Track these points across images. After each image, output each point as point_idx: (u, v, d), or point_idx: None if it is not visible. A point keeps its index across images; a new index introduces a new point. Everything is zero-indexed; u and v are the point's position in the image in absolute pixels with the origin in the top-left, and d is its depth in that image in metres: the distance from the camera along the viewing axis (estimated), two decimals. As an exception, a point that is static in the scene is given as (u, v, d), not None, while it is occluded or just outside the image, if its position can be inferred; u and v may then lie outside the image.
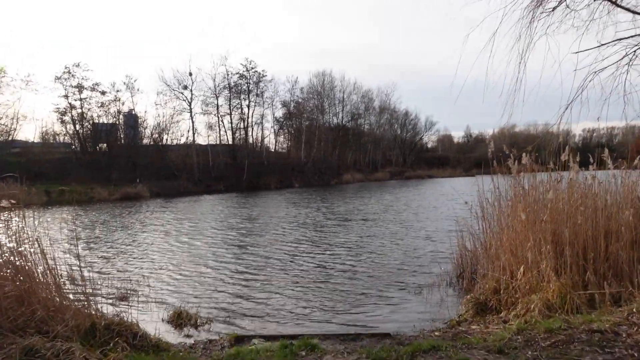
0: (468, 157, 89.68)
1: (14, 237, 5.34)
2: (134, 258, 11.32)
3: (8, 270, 5.02)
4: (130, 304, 7.21)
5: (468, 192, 32.79)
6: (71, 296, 5.50)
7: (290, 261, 10.25)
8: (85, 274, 9.51)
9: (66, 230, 17.63)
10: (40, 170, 40.14)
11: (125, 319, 5.45)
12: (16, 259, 5.12)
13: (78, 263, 5.53)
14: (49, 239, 6.07)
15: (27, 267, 5.12)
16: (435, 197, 29.56)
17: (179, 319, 6.24)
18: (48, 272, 5.29)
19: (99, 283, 8.56)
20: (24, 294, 4.83)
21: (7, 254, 5.13)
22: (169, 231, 16.33)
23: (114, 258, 11.43)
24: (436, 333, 5.41)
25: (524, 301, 5.50)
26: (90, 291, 5.86)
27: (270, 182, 49.95)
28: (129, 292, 7.85)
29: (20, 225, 5.50)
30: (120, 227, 18.39)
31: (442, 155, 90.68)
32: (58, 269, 5.76)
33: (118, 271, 9.90)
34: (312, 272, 9.17)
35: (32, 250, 5.18)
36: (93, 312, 5.19)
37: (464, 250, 8.49)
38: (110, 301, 7.20)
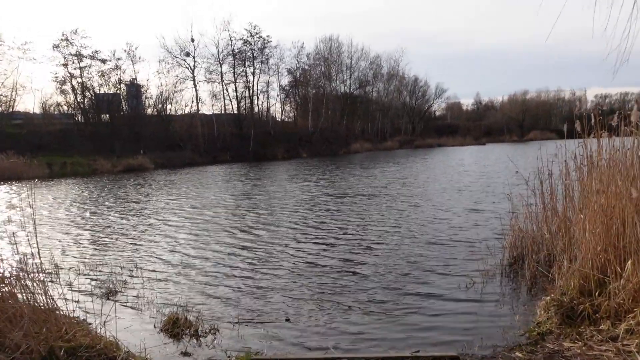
0: (478, 124, 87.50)
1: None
2: (130, 241, 9.97)
3: None
4: (115, 303, 5.86)
5: (487, 161, 31.19)
6: (40, 299, 4.14)
7: (307, 248, 8.58)
8: (71, 261, 8.46)
9: (55, 206, 16.38)
10: (42, 142, 38.90)
11: (102, 334, 4.10)
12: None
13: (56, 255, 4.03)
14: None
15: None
16: (455, 168, 27.92)
17: (174, 327, 4.88)
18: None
19: (85, 274, 7.33)
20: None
21: None
22: (171, 208, 14.95)
23: (108, 241, 10.08)
24: (518, 354, 4.01)
25: (640, 310, 4.08)
26: (64, 292, 4.47)
27: (277, 152, 48.50)
28: (117, 286, 6.50)
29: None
30: (120, 202, 17.08)
31: (451, 123, 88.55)
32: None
33: (110, 257, 8.55)
34: (334, 261, 7.55)
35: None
36: (56, 329, 3.83)
37: (519, 234, 7.03)
38: (91, 300, 5.85)
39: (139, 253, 8.68)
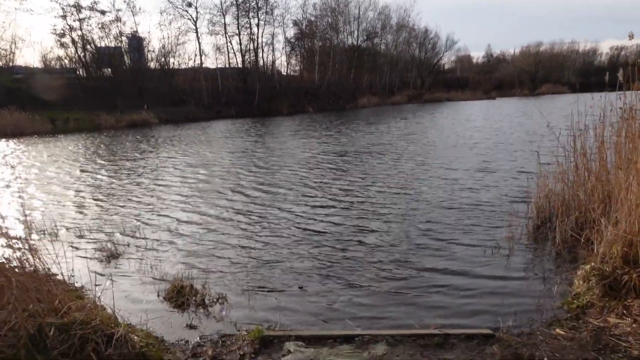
0: (488, 78, 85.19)
1: None
2: (131, 202, 9.56)
3: None
4: (115, 269, 5.51)
5: (498, 117, 30.26)
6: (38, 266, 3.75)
7: (313, 212, 7.89)
8: (66, 223, 7.83)
9: (55, 163, 15.99)
10: (44, 97, 38.16)
11: (99, 307, 3.74)
12: None
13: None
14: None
15: None
16: (466, 123, 27.08)
17: (180, 296, 4.51)
18: None
19: (81, 237, 6.95)
20: None
21: None
22: (176, 164, 14.52)
23: (107, 201, 9.71)
24: (559, 330, 3.61)
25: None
26: (58, 257, 4.08)
27: (283, 107, 47.45)
28: (118, 250, 6.12)
29: None
30: (120, 159, 16.66)
31: (461, 76, 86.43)
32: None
33: (110, 218, 8.18)
34: (342, 228, 6.89)
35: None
36: (48, 302, 3.46)
37: (549, 194, 6.52)
38: (89, 265, 5.49)
39: (141, 215, 8.25)
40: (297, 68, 62.05)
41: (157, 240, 6.62)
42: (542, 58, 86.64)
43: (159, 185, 11.06)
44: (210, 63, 52.82)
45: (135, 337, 3.48)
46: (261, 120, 37.26)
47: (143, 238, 6.68)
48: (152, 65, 49.21)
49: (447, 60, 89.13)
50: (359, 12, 62.38)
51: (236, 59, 52.60)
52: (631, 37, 5.30)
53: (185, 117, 41.51)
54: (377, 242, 6.16)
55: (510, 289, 4.57)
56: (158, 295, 4.68)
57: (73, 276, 5.08)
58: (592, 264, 4.42)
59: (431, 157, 13.57)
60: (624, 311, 3.80)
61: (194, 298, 4.51)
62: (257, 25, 51.68)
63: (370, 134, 21.62)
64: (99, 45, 45.51)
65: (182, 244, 6.39)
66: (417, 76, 76.36)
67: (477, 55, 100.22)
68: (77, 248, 6.33)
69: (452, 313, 4.10)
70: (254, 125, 32.55)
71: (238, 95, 47.72)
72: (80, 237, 6.89)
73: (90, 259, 5.85)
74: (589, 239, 5.51)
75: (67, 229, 7.38)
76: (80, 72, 45.74)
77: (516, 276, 4.88)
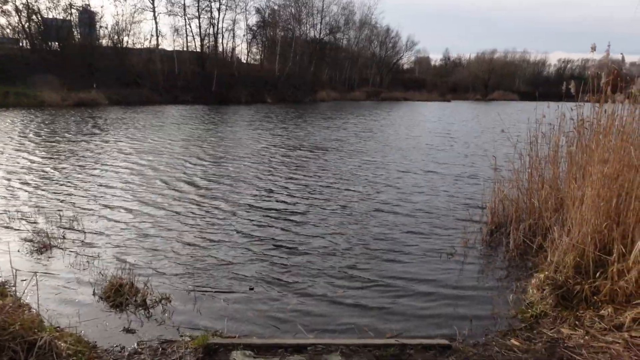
0: (445, 81, 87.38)
1: None
2: (71, 184, 8.93)
3: None
4: (46, 264, 5.02)
5: (454, 119, 30.95)
6: None
7: (268, 210, 7.42)
8: None
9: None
10: (-21, 68, 35.42)
11: (23, 308, 3.33)
12: None
13: None
14: None
15: None
16: (424, 125, 27.52)
17: (118, 295, 4.13)
18: None
19: (11, 224, 6.34)
20: None
21: None
22: (121, 148, 13.72)
23: (46, 183, 9.00)
24: (514, 341, 3.55)
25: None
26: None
27: (241, 95, 46.53)
28: (50, 240, 5.61)
29: None
30: (66, 138, 15.63)
31: (418, 77, 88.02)
32: None
33: (45, 203, 7.57)
34: (300, 227, 6.56)
35: None
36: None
37: (504, 200, 6.58)
38: (15, 259, 4.98)
39: (79, 203, 7.62)
40: (258, 57, 61.02)
41: (95, 232, 6.10)
42: (495, 65, 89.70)
43: (101, 171, 10.33)
44: (167, 45, 50.84)
45: (62, 344, 3.11)
46: (218, 108, 36.30)
47: (80, 230, 6.14)
48: (104, 42, 46.86)
49: (407, 60, 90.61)
50: (323, 4, 62.05)
51: (195, 42, 51.07)
52: (594, 49, 5.36)
53: (139, 100, 39.83)
54: (330, 245, 5.89)
55: (466, 296, 4.51)
56: (94, 295, 4.28)
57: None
58: (546, 272, 4.43)
59: (387, 158, 13.35)
60: (576, 322, 3.81)
61: (134, 298, 4.15)
62: (219, 9, 50.44)
63: (327, 129, 21.41)
64: (45, 17, 42.74)
65: (123, 238, 5.91)
66: (376, 74, 77.07)
67: (436, 57, 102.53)
68: (4, 239, 5.74)
69: (408, 321, 3.97)
70: (209, 112, 31.65)
71: (195, 81, 46.28)
72: (7, 227, 6.25)
73: (18, 252, 5.31)
74: (541, 245, 5.59)
75: (10, 213, 6.74)
76: (24, 44, 42.84)
77: (471, 283, 4.83)
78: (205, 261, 5.17)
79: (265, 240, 5.96)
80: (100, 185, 8.93)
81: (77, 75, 38.92)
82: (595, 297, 4.05)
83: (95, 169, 10.60)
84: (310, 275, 4.88)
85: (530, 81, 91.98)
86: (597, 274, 4.15)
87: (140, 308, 4.04)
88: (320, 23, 62.82)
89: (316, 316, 4.01)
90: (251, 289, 4.50)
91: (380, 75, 77.70)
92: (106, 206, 7.46)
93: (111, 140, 15.47)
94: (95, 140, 15.39)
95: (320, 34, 63.23)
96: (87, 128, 19.20)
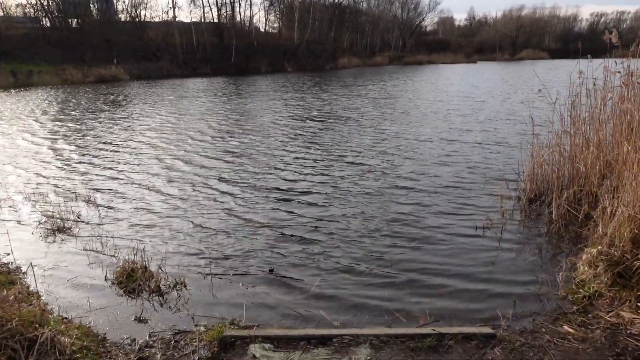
0: (470, 41, 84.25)
1: None
2: (89, 162, 8.78)
3: None
4: (60, 246, 4.81)
5: (481, 80, 29.66)
6: None
7: (284, 184, 7.03)
8: (8, 188, 6.90)
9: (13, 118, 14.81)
10: (4, 48, 35.70)
11: (18, 305, 3.10)
12: None
13: None
14: None
15: None
16: (452, 87, 26.45)
17: (130, 281, 3.88)
18: None
19: (25, 205, 6.19)
20: None
21: None
22: (137, 125, 13.50)
23: (66, 161, 8.87)
24: (567, 328, 3.14)
25: None
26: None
27: (261, 65, 45.95)
28: (65, 222, 5.40)
29: None
30: (87, 116, 15.55)
31: (442, 39, 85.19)
32: None
33: (62, 181, 7.41)
34: (317, 204, 6.10)
35: None
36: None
37: (543, 166, 6.03)
38: (29, 240, 4.80)
39: (95, 181, 7.46)
40: (276, 25, 59.83)
41: (109, 213, 5.86)
42: (523, 22, 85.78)
43: (117, 151, 10.04)
44: (184, 17, 50.19)
45: (66, 340, 2.86)
46: (237, 79, 35.84)
47: (94, 211, 5.91)
48: (121, 17, 46.59)
49: (430, 22, 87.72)
50: (341, -34, 59.86)
51: (212, 13, 50.42)
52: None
53: (159, 74, 39.79)
54: (352, 225, 5.35)
55: (506, 274, 4.08)
56: (105, 280, 4.04)
57: (8, 254, 4.40)
58: (599, 247, 3.95)
59: (408, 126, 12.28)
60: (638, 303, 3.36)
61: (147, 283, 3.89)
62: (234, -23, 49.04)
63: (345, 97, 20.54)
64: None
65: (137, 219, 5.65)
66: (398, 37, 74.79)
67: (460, 17, 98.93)
68: (17, 221, 5.58)
69: (444, 304, 3.59)
70: (228, 84, 31.20)
71: (214, 52, 45.80)
72: (20, 208, 6.09)
73: (32, 234, 5.13)
74: (588, 215, 5.08)
75: (7, 197, 6.57)
76: (44, 22, 42.91)
77: (511, 260, 4.38)
78: (222, 243, 4.86)
79: (283, 221, 5.51)
80: (117, 163, 8.73)
81: (97, 51, 39.00)
82: (658, 275, 3.58)
83: (111, 147, 10.41)
84: (333, 257, 4.50)
85: (561, 38, 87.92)
86: (661, 248, 3.65)
87: (153, 294, 3.78)
88: (339, -14, 60.82)
89: (341, 301, 3.67)
90: (271, 270, 4.19)
91: (402, 38, 75.35)
92: (122, 185, 7.22)
93: (128, 117, 15.32)
94: (112, 117, 15.26)
95: (339, -3, 61.34)
96: (106, 104, 19.12)
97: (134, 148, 10.19)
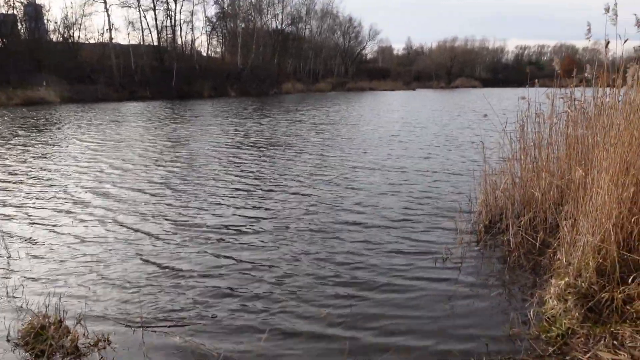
0: (408, 70, 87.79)
1: None
2: (2, 192, 7.78)
3: None
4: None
5: (424, 107, 30.58)
6: None
7: (225, 219, 6.27)
8: None
9: None
10: None
11: None
12: None
13: None
14: None
15: None
16: (395, 113, 26.98)
17: (38, 342, 3.19)
18: None
19: None
20: None
21: None
22: (70, 151, 12.41)
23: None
24: (546, 373, 2.85)
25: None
26: None
27: (203, 89, 44.99)
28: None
29: None
30: (7, 141, 14.16)
31: (382, 67, 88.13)
32: None
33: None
34: (261, 237, 5.55)
35: None
36: None
37: (496, 192, 5.92)
38: None
39: (7, 216, 6.52)
40: (219, 50, 59.29)
41: (16, 254, 5.01)
42: (456, 53, 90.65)
43: (28, 179, 8.93)
44: (121, 39, 48.46)
45: None
46: (177, 103, 34.76)
47: (3, 253, 5.08)
48: (53, 37, 44.19)
49: (370, 50, 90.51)
50: (284, -7, 60.71)
51: (152, 36, 49.05)
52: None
53: (93, 97, 37.83)
54: (298, 269, 4.72)
55: (472, 310, 3.79)
56: (7, 340, 3.31)
57: None
58: (566, 279, 3.76)
59: (352, 154, 11.83)
60: (614, 341, 3.14)
61: (61, 342, 3.22)
62: (175, 0, 48.25)
63: (288, 123, 20.13)
64: (-13, 11, 39.86)
65: (55, 260, 4.84)
66: (341, 64, 76.46)
67: (398, 47, 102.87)
68: None
69: (405, 349, 3.22)
70: (166, 108, 30.09)
71: (154, 75, 44.34)
72: None
73: None
74: (544, 242, 4.97)
75: None
76: (-37, 40, 39.83)
77: (475, 294, 4.10)
78: (155, 284, 4.24)
79: (215, 268, 4.70)
80: (24, 198, 7.57)
81: (25, 72, 36.48)
82: (628, 307, 3.41)
83: (17, 177, 9.18)
84: (279, 301, 3.98)
85: (491, 68, 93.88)
86: (631, 279, 3.50)
87: (70, 356, 3.12)
88: (282, 13, 61.72)
89: (297, 343, 3.19)
90: (214, 317, 3.64)
91: (344, 65, 77.12)
92: (27, 226, 6.07)
93: (44, 143, 13.94)
94: (26, 143, 13.81)
95: (282, 24, 62.07)
96: (22, 129, 17.52)
97: (45, 179, 8.92)
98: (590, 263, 3.73)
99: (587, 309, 3.49)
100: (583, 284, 3.65)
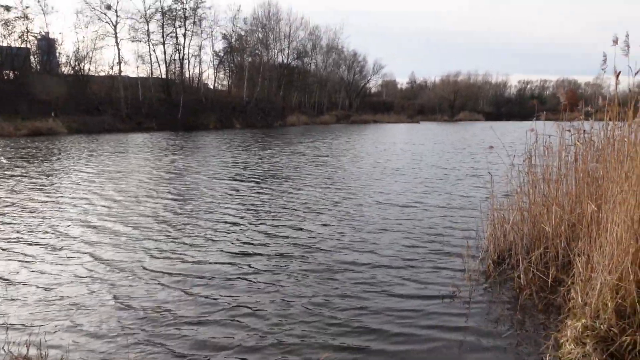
0: (412, 103, 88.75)
1: None
2: (9, 224, 7.65)
3: None
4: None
5: (425, 139, 30.60)
6: None
7: (228, 255, 6.04)
8: None
9: None
10: None
11: None
12: None
13: None
14: None
15: None
16: (399, 146, 26.99)
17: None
18: None
19: None
20: None
21: None
22: (63, 183, 12.08)
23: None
24: None
25: None
26: None
27: (209, 121, 45.47)
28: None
29: None
30: (11, 173, 14.13)
31: (386, 100, 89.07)
32: None
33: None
34: (265, 276, 5.29)
35: None
36: None
37: (504, 226, 5.72)
38: None
39: (18, 239, 6.40)
40: (225, 83, 60.28)
41: (9, 294, 4.75)
42: (459, 87, 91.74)
43: (16, 211, 8.71)
44: (130, 72, 49.38)
45: None
46: (182, 135, 35.00)
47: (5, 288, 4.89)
48: (64, 70, 45.12)
49: (374, 84, 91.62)
50: (290, 30, 62.14)
51: (160, 69, 49.82)
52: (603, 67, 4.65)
53: (100, 128, 38.23)
54: (297, 302, 4.59)
55: (487, 355, 3.55)
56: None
57: None
58: (584, 320, 3.53)
59: (356, 187, 11.52)
60: (639, 391, 2.90)
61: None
62: (184, 35, 49.40)
63: (292, 155, 19.96)
64: (1, 45, 40.87)
65: (42, 297, 4.64)
66: (345, 97, 77.36)
67: (402, 81, 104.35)
68: None
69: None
70: (170, 139, 30.21)
71: (161, 107, 44.96)
72: None
73: None
74: (555, 278, 4.75)
75: None
76: (-24, 73, 40.69)
77: (487, 336, 3.88)
78: (142, 320, 4.04)
79: (211, 308, 4.44)
80: (15, 231, 7.28)
81: (35, 104, 37.11)
82: (649, 350, 3.17)
83: (4, 209, 8.94)
84: (273, 354, 3.68)
85: (493, 102, 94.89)
86: (648, 320, 3.28)
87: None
88: (288, 48, 62.83)
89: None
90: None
91: (349, 98, 78.03)
92: (20, 259, 5.84)
93: (42, 173, 13.71)
94: (23, 174, 13.53)
95: (288, 58, 63.19)
96: (24, 159, 17.35)
97: (33, 211, 8.63)
98: (609, 304, 3.52)
99: (609, 354, 3.26)
100: (602, 326, 3.43)
